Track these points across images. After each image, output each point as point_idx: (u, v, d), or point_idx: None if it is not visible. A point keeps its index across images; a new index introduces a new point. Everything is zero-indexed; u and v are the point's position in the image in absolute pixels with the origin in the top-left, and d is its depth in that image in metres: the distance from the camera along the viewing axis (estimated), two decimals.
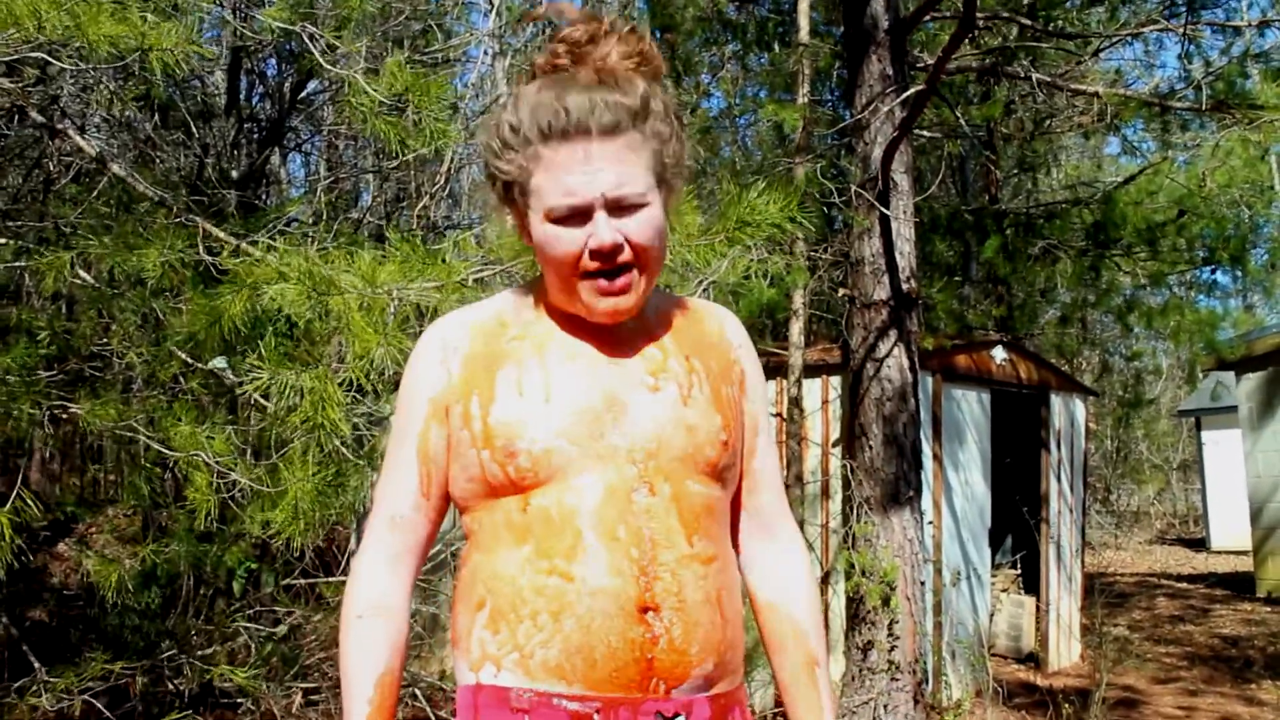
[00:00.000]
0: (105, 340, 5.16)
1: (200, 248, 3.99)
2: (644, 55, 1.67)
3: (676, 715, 1.58)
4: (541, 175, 1.61)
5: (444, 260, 3.86)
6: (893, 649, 6.59)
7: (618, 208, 1.59)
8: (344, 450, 3.85)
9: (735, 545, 1.83)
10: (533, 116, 1.61)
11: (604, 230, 1.58)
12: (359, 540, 1.83)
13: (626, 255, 1.61)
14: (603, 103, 1.59)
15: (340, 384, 3.65)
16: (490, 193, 1.72)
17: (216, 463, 4.00)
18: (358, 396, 3.82)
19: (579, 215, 1.59)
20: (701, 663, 1.60)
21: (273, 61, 10.51)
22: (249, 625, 6.05)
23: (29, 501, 4.09)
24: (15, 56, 4.09)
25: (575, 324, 1.70)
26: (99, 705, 5.09)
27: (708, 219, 3.85)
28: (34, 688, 4.89)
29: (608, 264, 1.60)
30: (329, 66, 4.28)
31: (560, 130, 1.59)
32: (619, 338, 1.71)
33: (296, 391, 3.62)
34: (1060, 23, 9.50)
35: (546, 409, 1.62)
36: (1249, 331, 12.92)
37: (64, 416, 4.44)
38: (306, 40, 4.19)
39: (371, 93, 3.87)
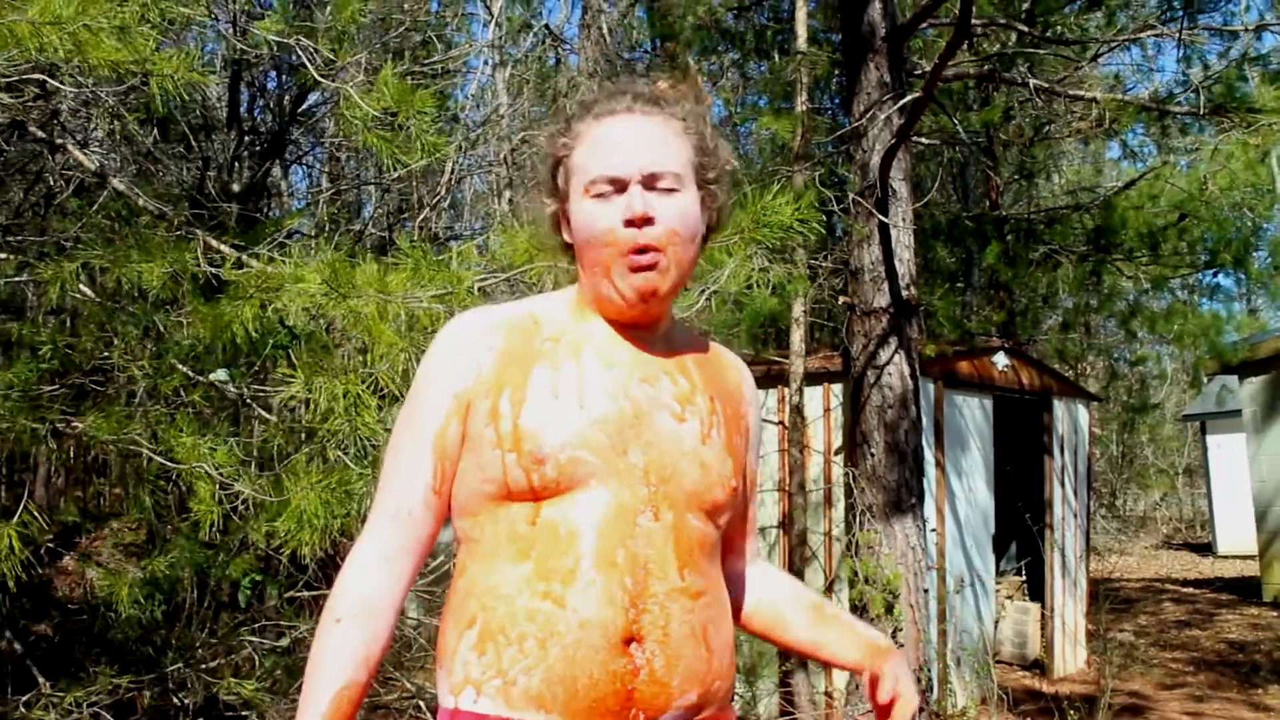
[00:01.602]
0: (107, 355, 5.17)
1: (201, 261, 4.00)
2: (690, 86, 1.82)
3: None
4: (584, 149, 1.71)
5: (450, 268, 3.88)
6: None
7: (653, 186, 1.67)
8: (345, 459, 3.85)
9: (738, 577, 1.94)
10: (584, 102, 1.76)
11: (637, 201, 1.65)
12: None
13: (656, 233, 1.65)
14: (649, 94, 1.74)
15: (369, 389, 3.67)
16: (537, 193, 1.82)
17: (220, 474, 4.01)
18: (381, 402, 3.83)
19: (615, 189, 1.67)
20: (684, 694, 1.60)
21: (273, 74, 10.54)
22: (253, 639, 6.05)
23: (35, 514, 4.10)
24: (17, 78, 4.10)
25: (608, 330, 1.73)
26: (107, 718, 5.09)
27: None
28: (40, 702, 4.88)
29: (640, 240, 1.65)
30: (324, 80, 4.29)
31: (607, 110, 1.72)
32: (653, 354, 1.74)
33: (330, 397, 3.63)
34: (1058, 28, 9.51)
35: (579, 415, 1.63)
36: (1252, 335, 12.90)
37: (67, 431, 4.44)
38: (301, 54, 4.21)
39: (364, 106, 3.88)
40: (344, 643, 1.60)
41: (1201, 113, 7.81)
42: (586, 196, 1.68)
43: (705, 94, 1.85)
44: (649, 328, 1.75)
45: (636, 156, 1.67)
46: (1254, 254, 10.79)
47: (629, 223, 1.64)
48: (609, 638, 1.55)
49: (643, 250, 1.65)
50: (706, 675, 1.63)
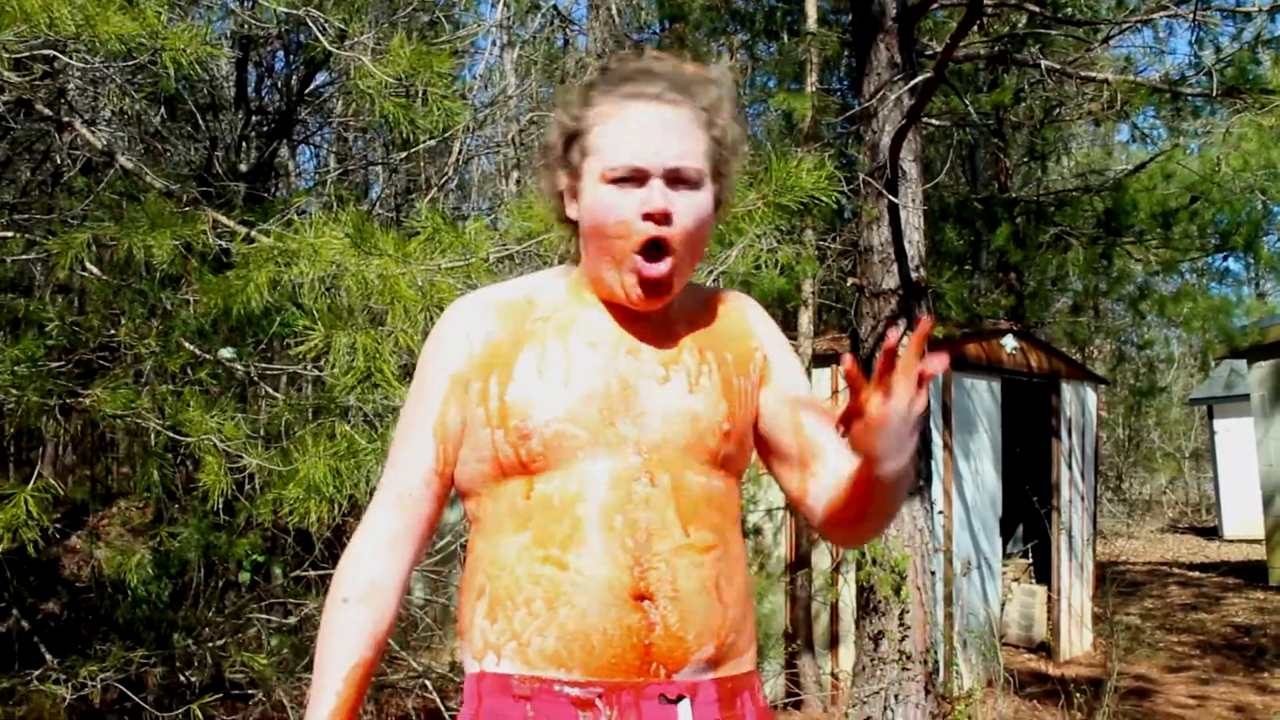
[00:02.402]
0: (114, 332, 5.17)
1: (210, 236, 3.99)
2: (718, 71, 1.75)
3: (680, 697, 1.59)
4: (606, 131, 1.65)
5: (467, 235, 3.87)
6: (904, 639, 6.57)
7: (675, 180, 1.63)
8: (353, 432, 3.85)
9: (811, 497, 1.76)
10: (609, 80, 1.69)
11: (658, 196, 1.61)
12: None
13: (673, 231, 1.62)
14: (679, 81, 1.67)
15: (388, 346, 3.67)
16: (544, 160, 1.76)
17: (228, 446, 4.01)
18: (398, 357, 3.82)
19: (636, 179, 1.62)
20: (701, 647, 1.60)
21: (281, 54, 10.50)
22: (261, 616, 6.07)
23: (51, 481, 4.11)
24: (26, 54, 4.08)
25: (600, 309, 1.71)
26: (124, 690, 5.11)
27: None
28: (52, 677, 4.90)
29: (655, 233, 1.61)
30: (336, 50, 4.26)
31: (636, 92, 1.65)
32: (640, 327, 1.72)
33: (348, 352, 3.63)
34: (1069, 9, 9.46)
35: (564, 392, 1.63)
36: (1261, 319, 12.85)
37: (75, 407, 4.44)
38: (312, 25, 4.18)
39: (379, 74, 3.86)
40: (352, 622, 1.63)
41: (1214, 94, 7.77)
42: (604, 181, 1.64)
43: (730, 78, 1.79)
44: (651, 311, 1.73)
45: (663, 150, 1.62)
46: (1264, 238, 10.75)
47: (648, 216, 1.61)
48: (617, 594, 1.56)
49: (656, 246, 1.63)
50: (721, 628, 1.63)
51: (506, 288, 1.78)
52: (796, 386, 1.82)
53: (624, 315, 1.71)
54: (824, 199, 3.91)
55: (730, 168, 1.74)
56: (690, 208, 1.64)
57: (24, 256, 5.34)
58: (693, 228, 1.64)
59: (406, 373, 3.79)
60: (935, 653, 6.98)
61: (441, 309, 1.81)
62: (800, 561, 7.71)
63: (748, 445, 1.79)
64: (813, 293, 8.09)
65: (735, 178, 1.78)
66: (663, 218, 1.61)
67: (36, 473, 4.01)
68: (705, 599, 1.61)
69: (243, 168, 9.12)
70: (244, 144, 9.57)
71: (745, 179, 3.81)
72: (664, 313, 1.74)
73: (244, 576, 5.85)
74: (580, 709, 1.55)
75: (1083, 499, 10.21)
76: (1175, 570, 15.53)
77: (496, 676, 1.59)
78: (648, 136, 1.63)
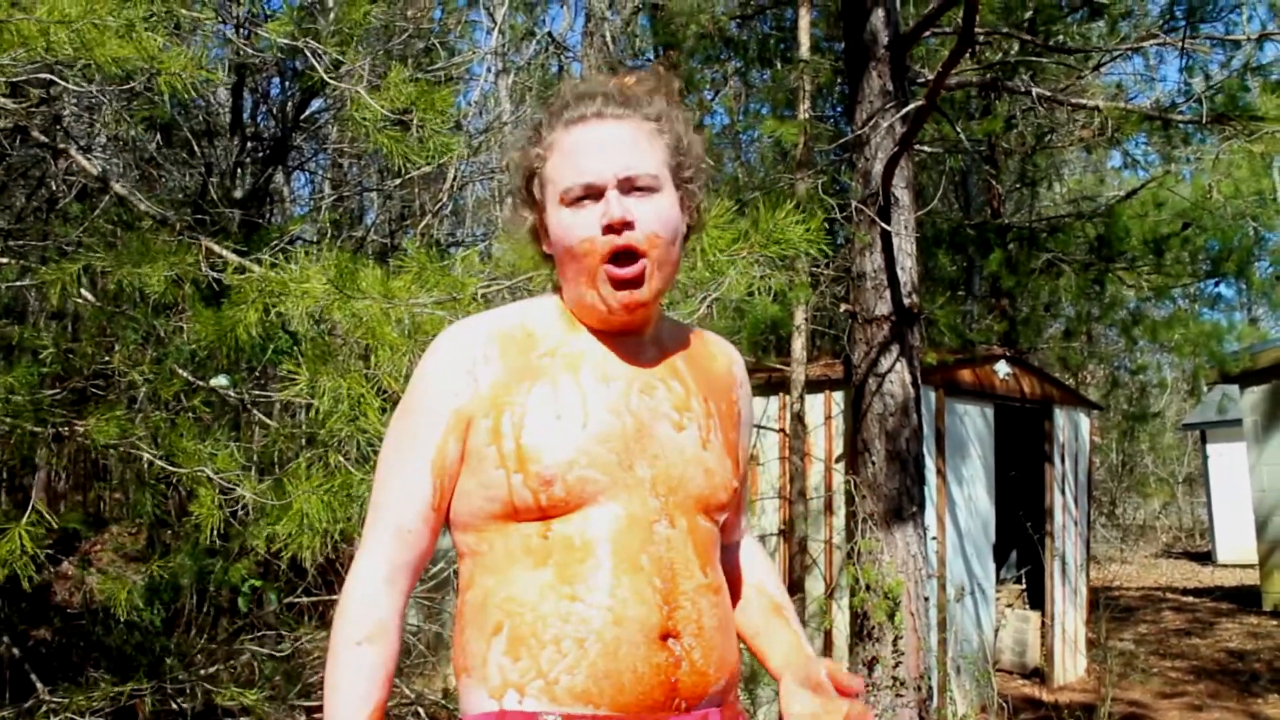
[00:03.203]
0: (107, 359, 5.17)
1: (204, 266, 4.00)
2: (661, 81, 1.79)
3: None
4: (557, 159, 1.69)
5: (454, 273, 3.88)
6: (897, 665, 6.56)
7: (630, 189, 1.65)
8: (346, 464, 3.85)
9: (731, 548, 1.96)
10: (553, 110, 1.73)
11: (615, 206, 1.64)
12: None
13: (637, 237, 1.64)
14: (618, 96, 1.71)
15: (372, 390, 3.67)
16: (512, 202, 1.81)
17: (221, 478, 4.00)
18: (384, 403, 3.83)
19: (592, 196, 1.65)
20: (718, 681, 1.66)
21: (276, 80, 10.55)
22: (253, 646, 6.04)
23: (43, 513, 4.09)
24: (23, 78, 4.10)
25: (604, 342, 1.73)
26: None
27: (722, 230, 3.87)
28: (42, 709, 4.87)
29: (619, 243, 1.64)
30: (333, 80, 4.28)
31: (577, 116, 1.69)
32: (647, 362, 1.75)
33: (334, 397, 3.63)
34: (1060, 37, 9.51)
35: (582, 434, 1.64)
36: (1253, 344, 12.89)
37: (68, 434, 4.44)
38: (310, 56, 4.21)
39: (375, 107, 3.88)
40: (367, 664, 1.62)
41: (1204, 122, 7.81)
42: (563, 205, 1.67)
43: (676, 89, 1.81)
44: (638, 332, 1.75)
45: (611, 161, 1.65)
46: (1255, 264, 10.80)
47: (608, 228, 1.63)
48: (647, 634, 1.59)
49: (624, 254, 1.65)
50: (732, 663, 1.70)
51: (501, 317, 1.76)
52: (746, 443, 1.94)
53: (628, 348, 1.73)
54: (812, 252, 3.93)
55: (692, 172, 1.76)
56: (651, 211, 1.66)
57: (18, 283, 5.34)
58: (657, 229, 1.66)
59: (394, 406, 3.80)
60: (929, 679, 6.97)
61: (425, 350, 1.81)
62: (793, 588, 7.70)
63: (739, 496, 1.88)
64: (805, 319, 8.11)
65: (704, 182, 1.80)
66: (622, 225, 1.63)
67: (31, 506, 3.99)
68: (722, 635, 1.68)
69: (238, 194, 9.15)
70: (239, 170, 9.60)
71: (733, 231, 3.84)
72: (661, 345, 1.78)
73: (243, 602, 5.83)
74: None
75: (1076, 524, 10.21)
76: (1169, 595, 15.51)
77: (521, 715, 1.58)
78: (594, 154, 1.66)
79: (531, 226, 1.77)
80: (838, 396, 7.82)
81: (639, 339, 1.75)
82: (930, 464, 7.80)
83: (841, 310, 7.40)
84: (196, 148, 9.02)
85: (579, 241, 1.65)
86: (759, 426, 8.02)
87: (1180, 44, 8.07)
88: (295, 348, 4.17)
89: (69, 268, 4.05)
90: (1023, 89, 8.44)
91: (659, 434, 1.69)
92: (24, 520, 3.81)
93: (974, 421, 8.84)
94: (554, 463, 1.61)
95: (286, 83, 10.40)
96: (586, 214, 1.65)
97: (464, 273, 3.84)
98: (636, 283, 1.65)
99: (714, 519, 1.75)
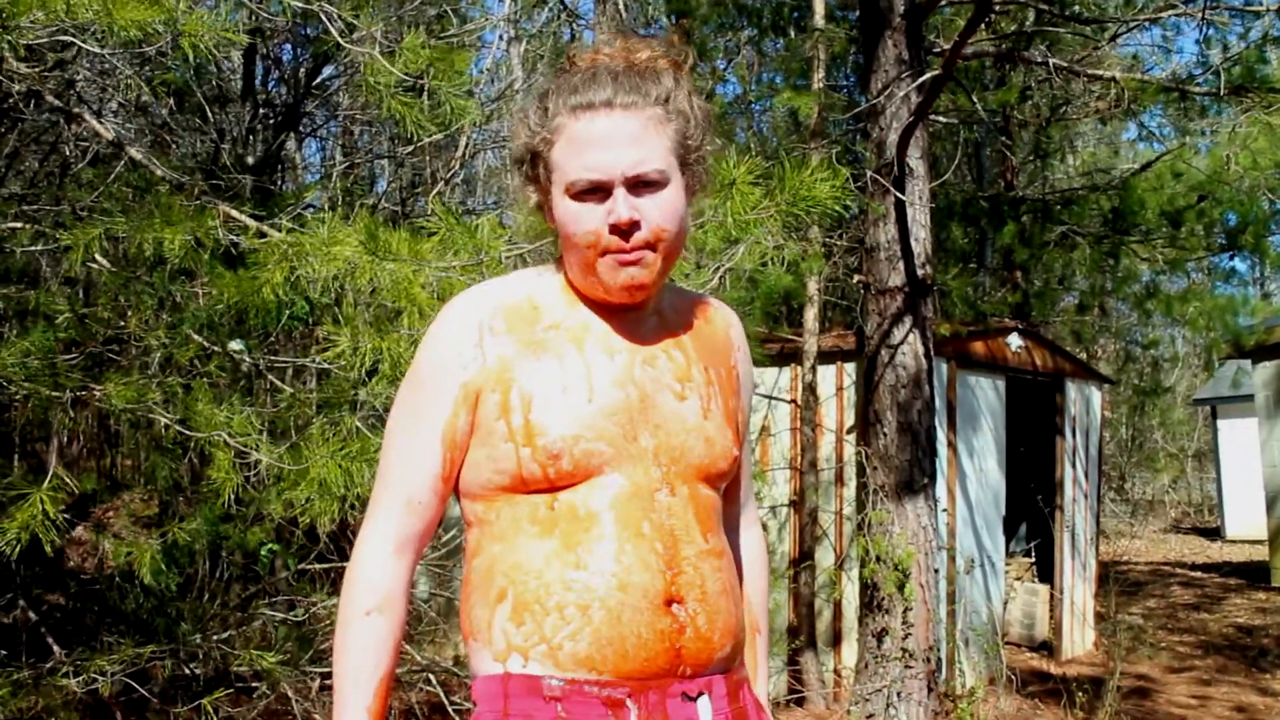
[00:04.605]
0: (123, 324, 5.17)
1: (221, 230, 3.99)
2: (670, 50, 1.74)
3: (700, 694, 1.64)
4: (563, 147, 1.65)
5: (479, 235, 3.86)
6: (907, 636, 6.59)
7: (637, 185, 1.63)
8: (363, 428, 3.85)
9: (732, 520, 1.95)
10: (560, 91, 1.68)
11: (622, 207, 1.62)
12: None
13: (644, 234, 1.63)
14: (627, 81, 1.66)
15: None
16: (516, 175, 1.77)
17: (237, 442, 4.01)
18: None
19: (599, 191, 1.63)
20: (723, 647, 1.67)
21: (288, 47, 10.52)
22: (266, 612, 6.07)
23: (63, 478, 4.11)
24: (43, 40, 4.07)
25: (607, 316, 1.73)
26: (130, 683, 5.12)
27: (750, 189, 3.83)
28: (61, 670, 4.91)
29: (625, 240, 1.63)
30: (347, 45, 4.25)
31: (585, 103, 1.64)
32: (647, 335, 1.75)
33: (372, 356, 3.63)
34: (1077, 7, 9.45)
35: (589, 409, 1.65)
36: (1267, 319, 12.84)
37: (85, 398, 4.45)
38: (324, 19, 4.18)
39: (392, 70, 3.86)
40: (377, 633, 1.66)
41: (1221, 93, 7.76)
42: (568, 196, 1.65)
43: (688, 63, 1.75)
44: (640, 306, 1.75)
45: (619, 158, 1.62)
46: (1271, 238, 10.73)
47: (614, 229, 1.62)
48: (651, 599, 1.60)
49: (629, 250, 1.64)
50: (736, 628, 1.71)
51: (505, 287, 1.76)
52: (747, 408, 1.93)
53: (630, 321, 1.74)
54: (838, 209, 3.91)
55: (700, 151, 1.73)
56: (658, 207, 1.64)
57: (32, 248, 5.34)
58: (664, 224, 1.65)
59: None
60: (938, 650, 7.00)
61: None
62: (803, 558, 7.72)
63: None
64: (818, 289, 8.09)
65: (708, 155, 1.76)
66: (630, 227, 1.62)
67: (52, 472, 4.01)
68: (725, 601, 1.68)
69: (250, 160, 9.14)
70: (251, 137, 9.59)
71: (759, 187, 3.79)
72: (663, 316, 1.79)
73: (262, 567, 5.86)
74: (610, 709, 1.58)
75: (1086, 498, 10.21)
76: (1178, 570, 15.53)
77: (525, 678, 1.60)
78: (603, 149, 1.62)
79: (537, 204, 1.75)
80: (850, 368, 7.81)
81: (640, 311, 1.76)
82: (941, 436, 7.79)
83: (855, 281, 7.39)
84: (209, 114, 9.00)
85: (584, 234, 1.64)
86: (770, 397, 8.02)
87: (1199, 14, 8.00)
88: (310, 314, 4.18)
89: (91, 231, 4.04)
90: (1039, 59, 8.38)
91: (661, 404, 1.70)
92: (45, 485, 3.82)
93: (986, 394, 8.82)
94: (561, 437, 1.62)
95: (298, 50, 10.37)
96: (594, 209, 1.63)
97: (489, 236, 3.82)
98: (638, 264, 1.65)
99: (715, 486, 1.76)
